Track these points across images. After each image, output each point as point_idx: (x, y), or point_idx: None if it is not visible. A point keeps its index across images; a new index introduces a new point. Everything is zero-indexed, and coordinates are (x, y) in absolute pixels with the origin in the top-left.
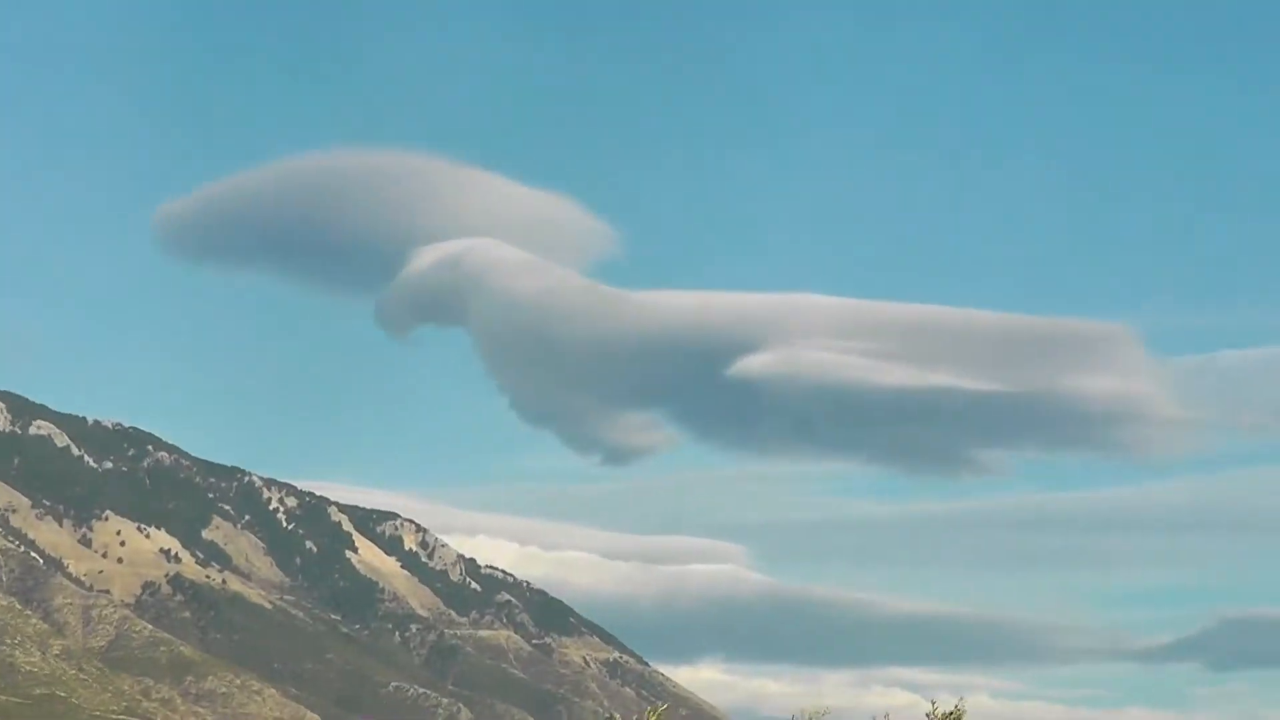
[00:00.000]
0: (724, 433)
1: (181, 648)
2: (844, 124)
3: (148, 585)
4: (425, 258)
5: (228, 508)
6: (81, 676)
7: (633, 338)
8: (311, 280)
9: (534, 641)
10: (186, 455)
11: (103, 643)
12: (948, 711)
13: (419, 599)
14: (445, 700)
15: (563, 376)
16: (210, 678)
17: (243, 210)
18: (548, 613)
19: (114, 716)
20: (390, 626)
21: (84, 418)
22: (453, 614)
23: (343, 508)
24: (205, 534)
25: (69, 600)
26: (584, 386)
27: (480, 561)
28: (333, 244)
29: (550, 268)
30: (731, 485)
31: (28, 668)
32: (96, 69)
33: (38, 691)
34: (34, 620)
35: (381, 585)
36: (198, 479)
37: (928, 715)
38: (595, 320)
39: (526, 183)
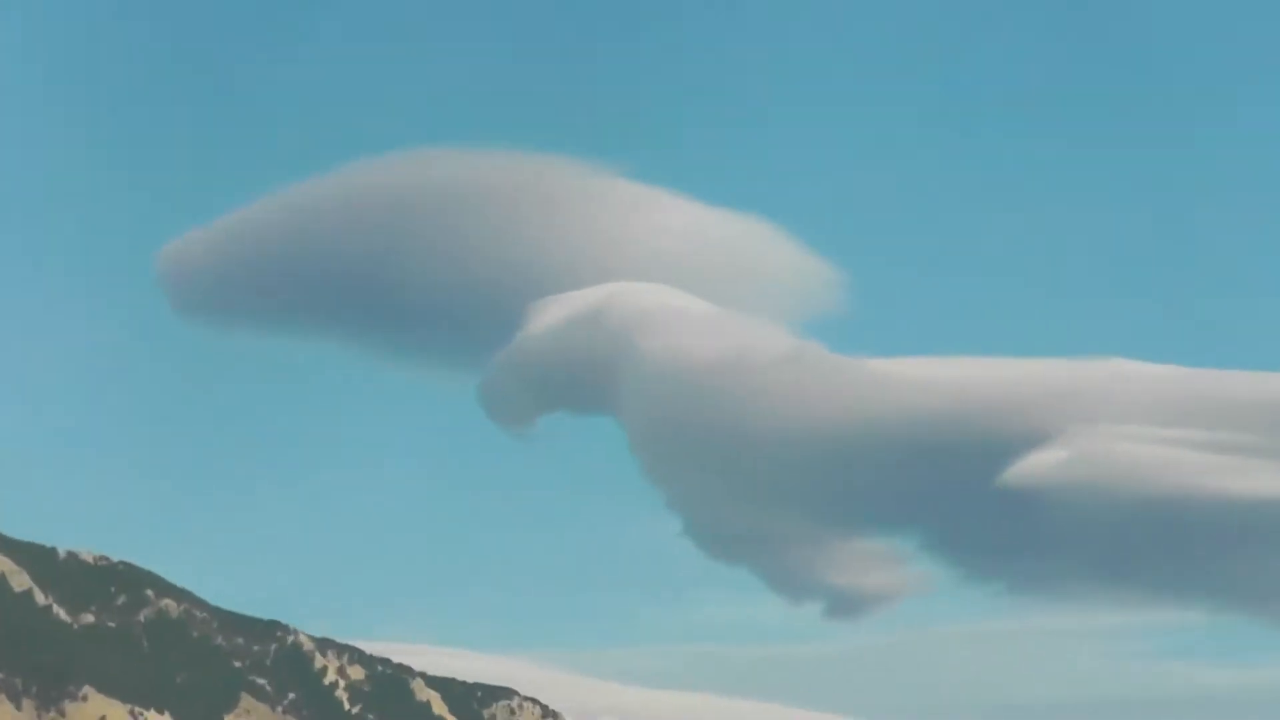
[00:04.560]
0: (1000, 568)
1: None
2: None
3: None
4: (552, 312)
5: (263, 682)
6: None
7: (865, 428)
8: (383, 349)
9: None
10: (202, 604)
11: None
12: None
13: None
14: None
15: (762, 486)
16: None
17: (280, 243)
18: None
19: None
20: None
21: (53, 548)
22: None
23: (432, 680)
24: None
25: None
26: (794, 502)
27: None
28: (411, 294)
29: (744, 324)
30: (1014, 647)
31: None
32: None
33: None
34: None
35: None
36: (220, 640)
37: None
38: (809, 402)
39: (707, 200)
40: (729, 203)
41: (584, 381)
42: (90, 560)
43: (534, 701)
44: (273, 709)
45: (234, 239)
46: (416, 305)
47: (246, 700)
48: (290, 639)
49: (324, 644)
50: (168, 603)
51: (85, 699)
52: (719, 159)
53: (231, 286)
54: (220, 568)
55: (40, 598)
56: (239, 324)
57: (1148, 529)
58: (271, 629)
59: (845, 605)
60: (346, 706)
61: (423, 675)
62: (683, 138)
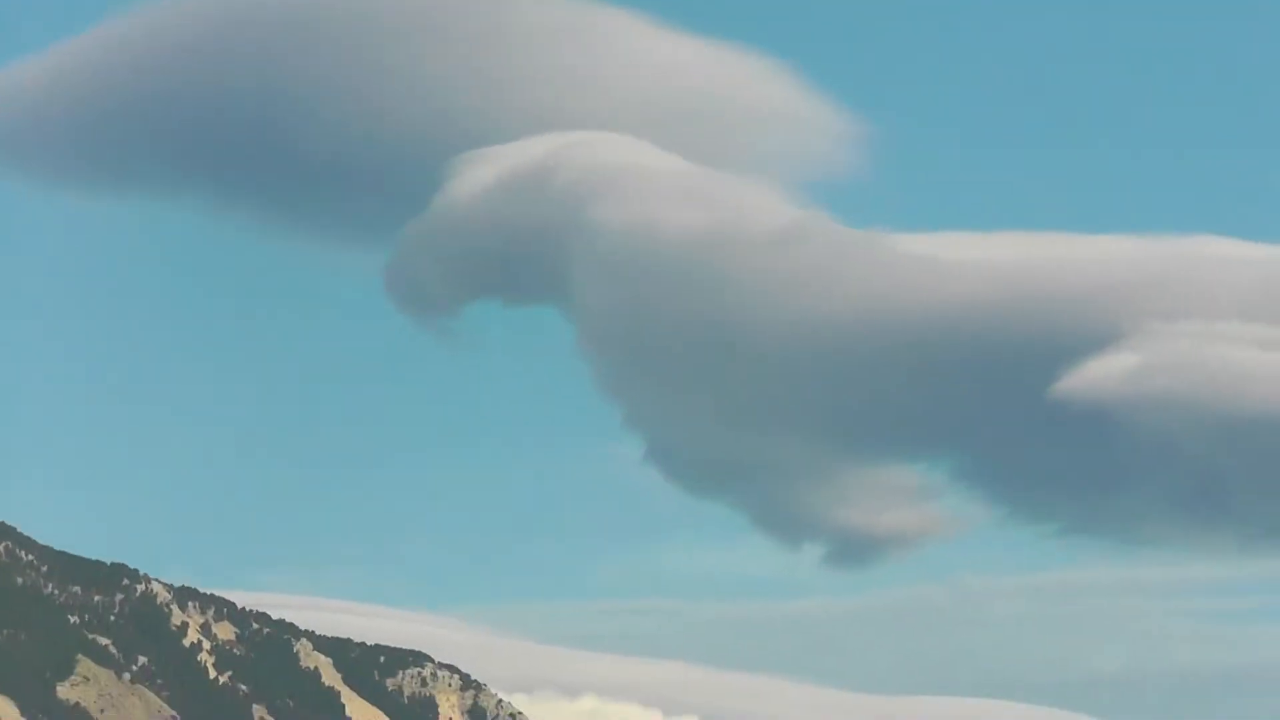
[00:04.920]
0: (1055, 505)
1: None
2: None
3: None
4: (480, 171)
5: (106, 642)
6: None
7: (884, 324)
8: (261, 216)
9: None
10: (29, 544)
11: None
12: None
13: None
14: None
15: (748, 400)
16: None
17: (129, 80)
18: None
19: None
20: None
21: None
22: None
23: (322, 642)
24: (63, 691)
25: None
26: (789, 420)
27: None
28: (299, 146)
29: (729, 188)
30: (1071, 605)
31: None
32: None
33: None
34: None
35: None
36: (50, 588)
37: None
38: (812, 290)
39: (686, 28)
40: (715, 31)
41: (520, 261)
42: None
43: (452, 669)
44: (118, 675)
45: (70, 72)
46: (305, 160)
47: (85, 665)
48: (140, 589)
49: (184, 595)
50: None
51: None
52: None
53: (66, 133)
54: (51, 498)
55: None
56: (74, 181)
57: (1242, 456)
58: (116, 575)
59: (853, 550)
60: (212, 674)
61: (309, 635)
62: None
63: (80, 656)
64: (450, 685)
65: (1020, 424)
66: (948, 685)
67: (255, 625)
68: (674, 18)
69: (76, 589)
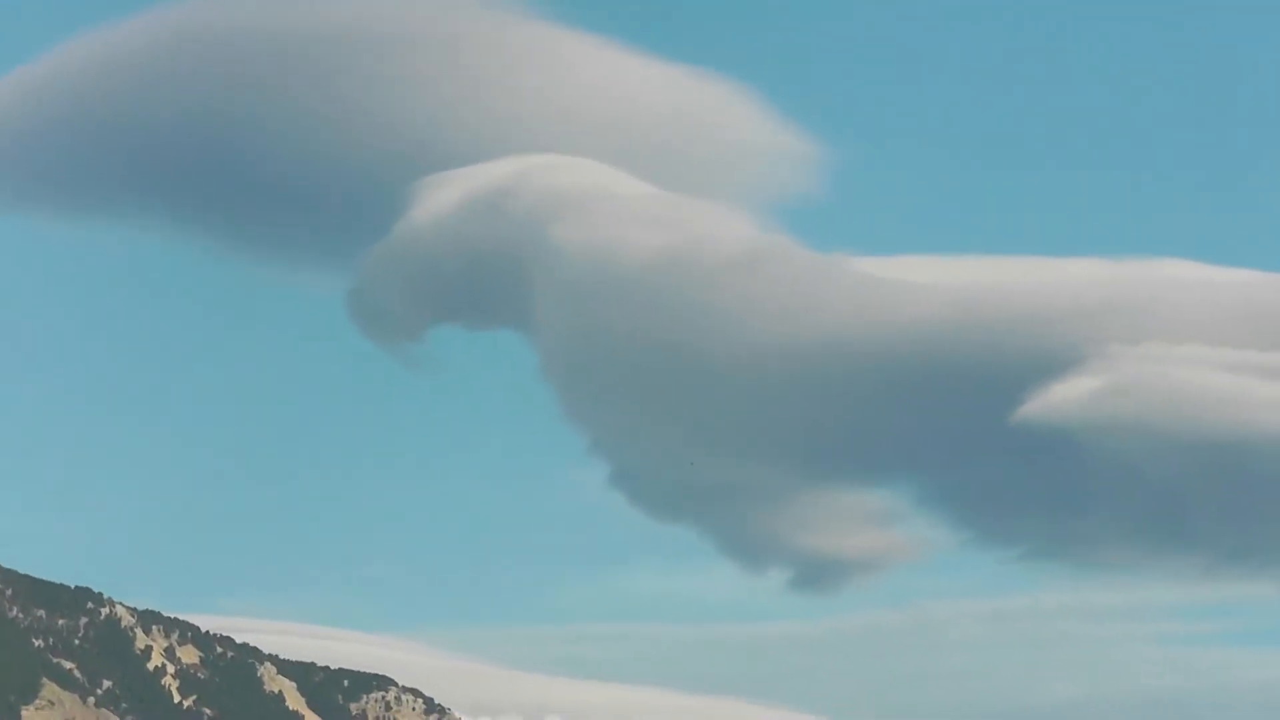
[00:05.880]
0: (1018, 529)
1: None
2: None
3: None
4: (443, 194)
5: (70, 665)
6: None
7: (847, 347)
8: (222, 241)
9: None
10: None
11: None
12: None
13: None
14: None
15: (713, 424)
16: None
17: (88, 103)
18: None
19: None
20: None
21: None
22: None
23: (286, 666)
24: (28, 714)
25: None
26: (754, 443)
27: None
28: (259, 169)
29: (693, 211)
30: (1035, 630)
31: None
32: None
33: None
34: None
35: None
36: (15, 612)
37: None
38: (776, 313)
39: (650, 51)
40: (678, 54)
41: (484, 285)
42: None
43: (415, 694)
44: (82, 699)
45: (28, 97)
46: (267, 184)
47: (50, 688)
48: (105, 612)
49: (148, 618)
50: None
51: None
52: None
53: (23, 158)
54: (15, 522)
55: None
56: (32, 206)
57: (1206, 480)
58: (81, 599)
59: (818, 575)
60: (176, 698)
61: (273, 659)
62: None
63: (45, 680)
64: (414, 709)
65: (984, 448)
66: (912, 709)
67: (219, 649)
68: (637, 41)
69: (41, 612)
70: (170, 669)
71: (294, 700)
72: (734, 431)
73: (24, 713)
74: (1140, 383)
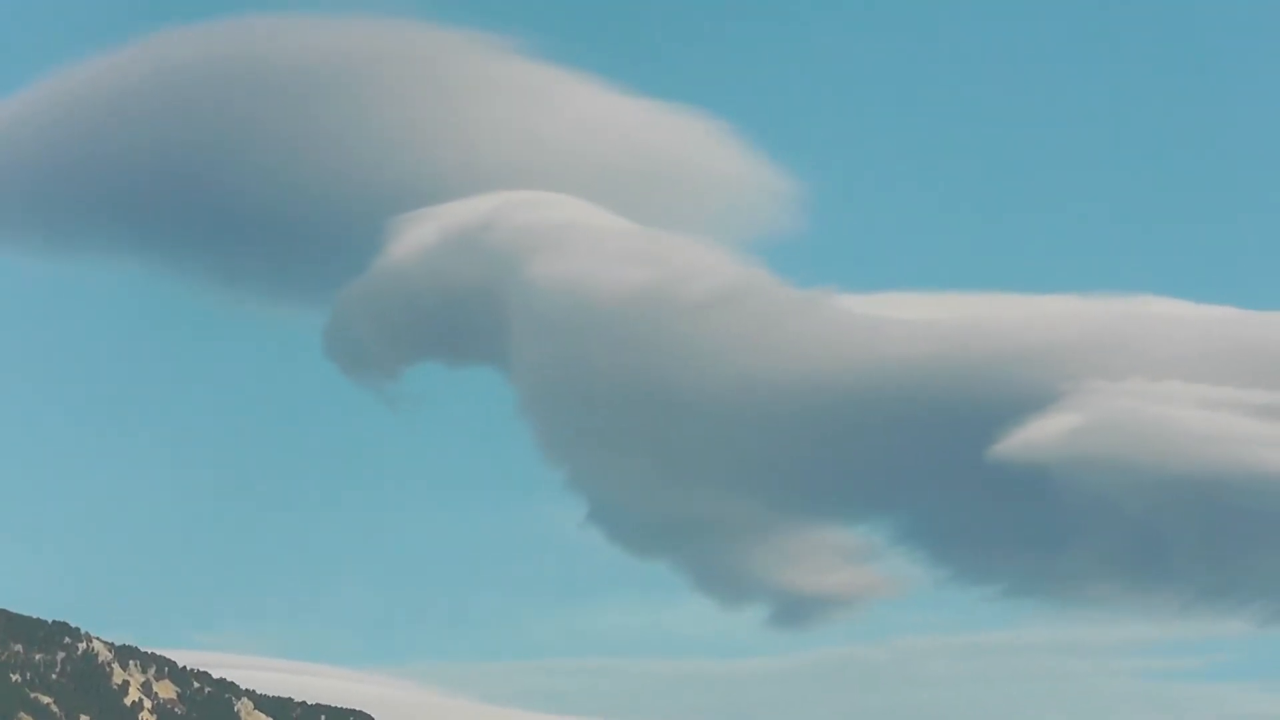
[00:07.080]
0: (996, 566)
1: None
2: None
3: None
4: (420, 231)
5: (47, 700)
6: None
7: (825, 384)
8: (197, 278)
9: None
10: None
11: None
12: None
13: None
14: None
15: (690, 460)
16: None
17: (60, 140)
18: None
19: None
20: None
21: None
22: None
23: (264, 702)
24: None
25: None
26: (731, 480)
27: None
28: (234, 206)
29: (671, 247)
30: (1013, 666)
31: None
32: None
33: None
34: None
35: None
36: None
37: None
38: (754, 350)
39: (628, 87)
40: (656, 90)
41: (462, 322)
42: None
43: None
44: None
45: (3, 133)
46: (244, 220)
47: None
48: (82, 647)
49: (125, 653)
50: None
51: None
52: (645, 34)
53: (0, 192)
54: None
55: None
56: (8, 242)
57: (1183, 516)
58: (58, 634)
59: (795, 611)
60: None
61: (250, 694)
62: (597, 3)
63: (22, 715)
64: None
65: (962, 484)
66: None
67: (196, 684)
68: (616, 77)
69: (18, 647)
70: (147, 704)
71: None
72: (712, 468)
73: None
74: (1119, 419)
